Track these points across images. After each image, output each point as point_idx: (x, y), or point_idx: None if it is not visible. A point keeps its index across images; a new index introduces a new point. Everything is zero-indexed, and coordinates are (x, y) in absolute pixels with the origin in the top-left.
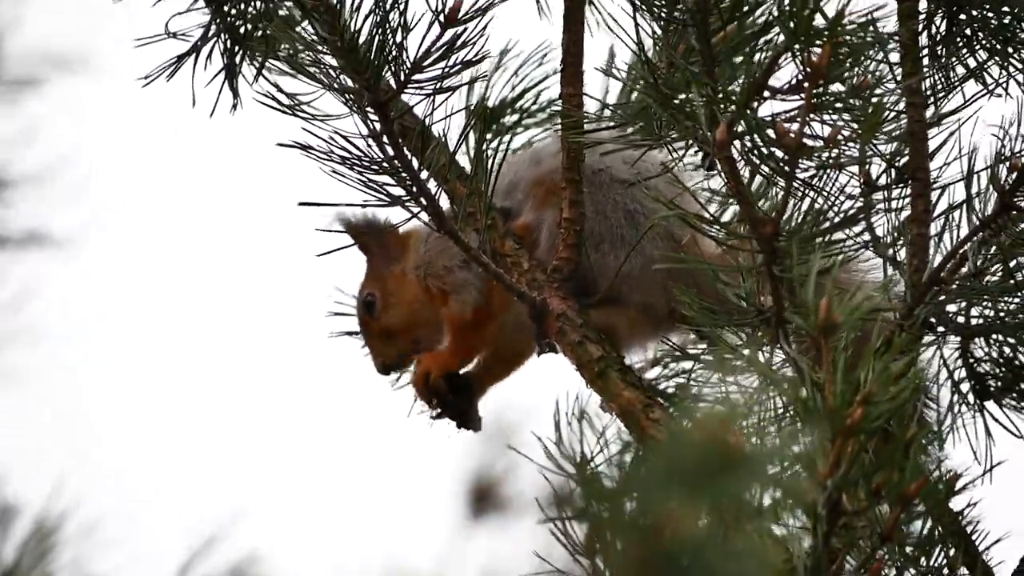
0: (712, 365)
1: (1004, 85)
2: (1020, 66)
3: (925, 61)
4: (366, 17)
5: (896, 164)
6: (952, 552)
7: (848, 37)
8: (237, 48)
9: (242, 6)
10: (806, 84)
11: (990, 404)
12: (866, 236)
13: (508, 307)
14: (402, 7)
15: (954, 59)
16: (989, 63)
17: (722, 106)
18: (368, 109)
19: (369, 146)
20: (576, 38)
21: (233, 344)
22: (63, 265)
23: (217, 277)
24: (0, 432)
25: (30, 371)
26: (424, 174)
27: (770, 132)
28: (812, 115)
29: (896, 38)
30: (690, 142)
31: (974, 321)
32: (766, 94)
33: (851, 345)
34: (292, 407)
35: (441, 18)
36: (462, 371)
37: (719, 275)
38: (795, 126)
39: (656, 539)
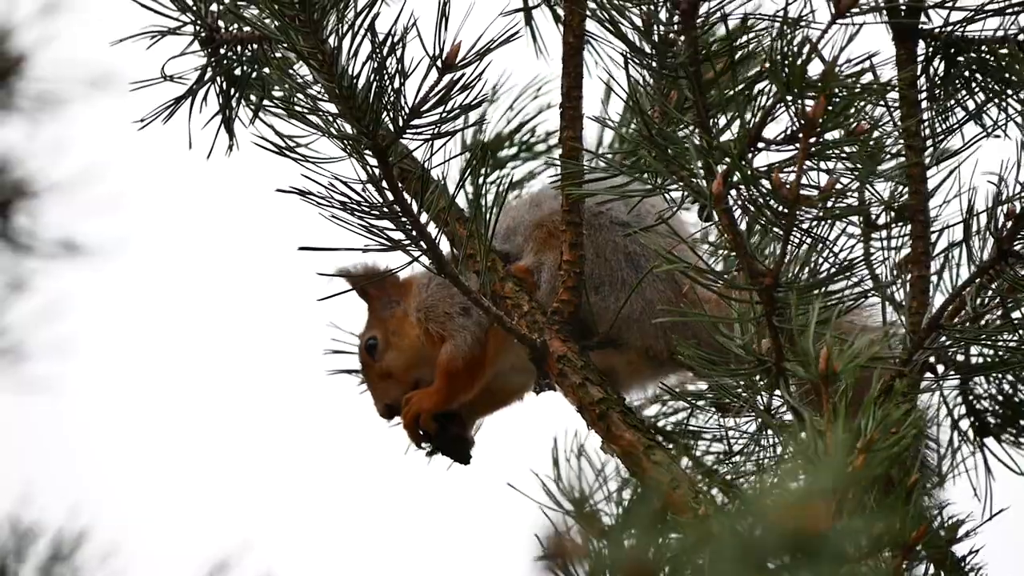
0: (711, 407)
1: (1003, 127)
2: (1019, 108)
3: (924, 103)
4: (364, 63)
5: (894, 206)
6: None
7: (842, 89)
8: (233, 91)
9: (238, 49)
10: (800, 135)
11: (990, 441)
12: (867, 283)
13: (503, 355)
14: (399, 53)
15: (953, 101)
16: (988, 105)
17: (717, 157)
18: (367, 154)
19: (368, 191)
20: (575, 83)
21: (254, 370)
22: (93, 276)
23: (235, 298)
24: (26, 441)
25: (58, 381)
26: (424, 218)
27: (766, 184)
28: (808, 164)
29: (892, 86)
30: (687, 193)
31: (974, 359)
32: (761, 145)
33: (852, 388)
34: (309, 434)
35: (439, 63)
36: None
37: (719, 327)
38: (791, 177)
39: None
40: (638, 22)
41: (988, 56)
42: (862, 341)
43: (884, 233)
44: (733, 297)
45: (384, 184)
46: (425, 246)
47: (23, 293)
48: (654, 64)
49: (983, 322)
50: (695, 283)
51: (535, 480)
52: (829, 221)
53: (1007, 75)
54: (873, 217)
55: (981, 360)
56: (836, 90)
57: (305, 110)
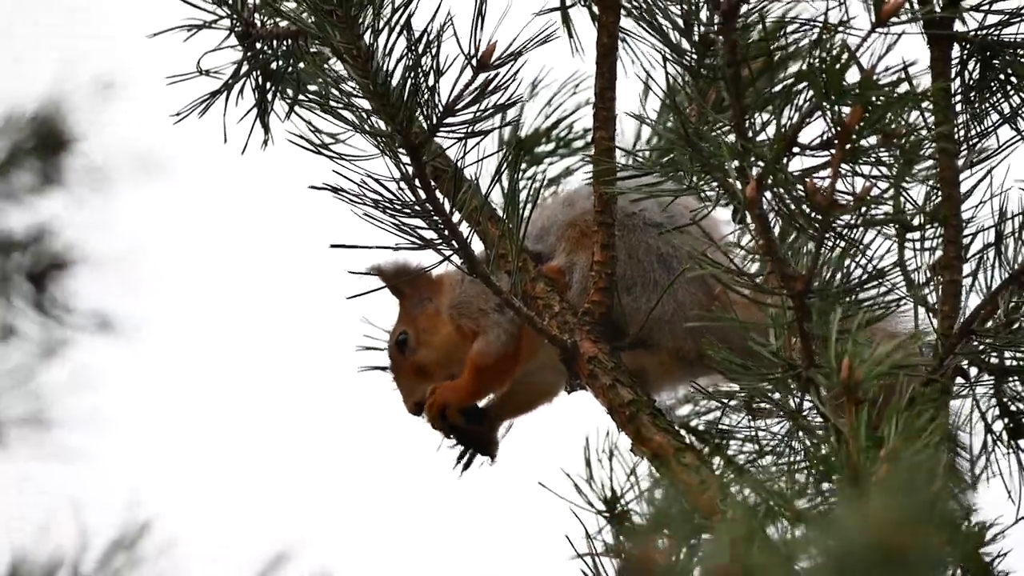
0: (742, 408)
1: None
2: None
3: (958, 107)
4: (398, 60)
5: (927, 209)
6: None
7: (879, 98)
8: (268, 85)
9: (274, 43)
10: (836, 141)
11: None
12: (900, 290)
13: (534, 354)
14: (434, 51)
15: (987, 104)
16: (1023, 108)
17: (752, 161)
18: (400, 152)
19: (401, 189)
20: (608, 83)
21: (294, 368)
22: (126, 350)
23: (251, 317)
24: (56, 510)
25: (89, 452)
26: (456, 217)
27: (800, 189)
28: (843, 170)
29: (928, 95)
30: (721, 193)
31: (1008, 363)
32: (796, 149)
33: (882, 393)
34: (345, 430)
35: (474, 62)
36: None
37: (750, 332)
38: (826, 183)
39: None
40: (679, 20)
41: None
42: (886, 347)
43: (918, 235)
44: (764, 302)
45: (417, 182)
46: (457, 245)
47: (53, 361)
48: (693, 63)
49: (1016, 326)
50: (726, 287)
51: (566, 479)
52: (862, 228)
53: None
54: (907, 221)
55: (1015, 364)
56: (873, 99)
57: (339, 106)
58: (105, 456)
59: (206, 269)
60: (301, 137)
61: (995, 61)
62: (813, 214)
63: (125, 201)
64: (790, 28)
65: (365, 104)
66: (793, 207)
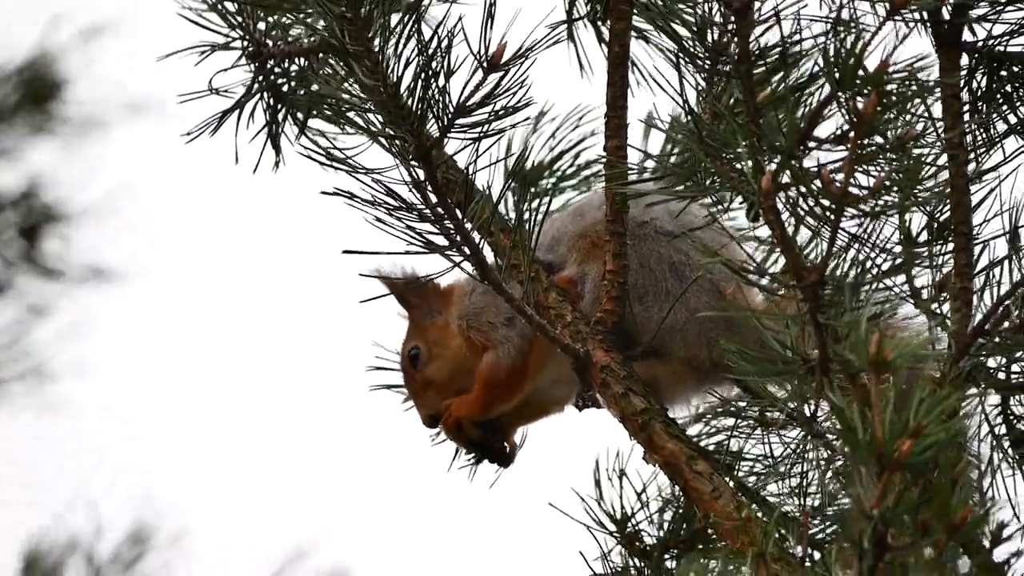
0: (755, 418)
1: None
2: None
3: (966, 117)
4: (408, 63)
5: (938, 219)
6: None
7: (894, 86)
8: (280, 106)
9: (285, 63)
10: (852, 133)
11: None
12: (918, 280)
13: (545, 367)
14: (444, 52)
15: (995, 115)
16: None
17: (767, 156)
18: (411, 157)
19: (412, 193)
20: (619, 91)
21: (290, 370)
22: (118, 298)
23: (268, 313)
24: (47, 461)
25: (80, 402)
26: (467, 224)
27: (816, 182)
28: (857, 164)
29: (938, 90)
30: (735, 193)
31: (1014, 378)
32: (811, 144)
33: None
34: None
35: (484, 63)
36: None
37: (763, 323)
38: (840, 176)
39: None
40: (691, 20)
41: None
42: (911, 331)
43: (927, 249)
44: (778, 294)
45: (428, 187)
46: (468, 251)
47: (46, 316)
48: (707, 66)
49: None
50: (740, 279)
51: (577, 500)
52: (876, 221)
53: None
54: (914, 233)
55: (1022, 379)
56: (888, 87)
57: (352, 113)
58: (101, 408)
59: (201, 218)
60: (313, 151)
61: (1002, 72)
62: (828, 205)
63: (116, 147)
64: (803, 23)
65: (376, 118)
66: (809, 200)
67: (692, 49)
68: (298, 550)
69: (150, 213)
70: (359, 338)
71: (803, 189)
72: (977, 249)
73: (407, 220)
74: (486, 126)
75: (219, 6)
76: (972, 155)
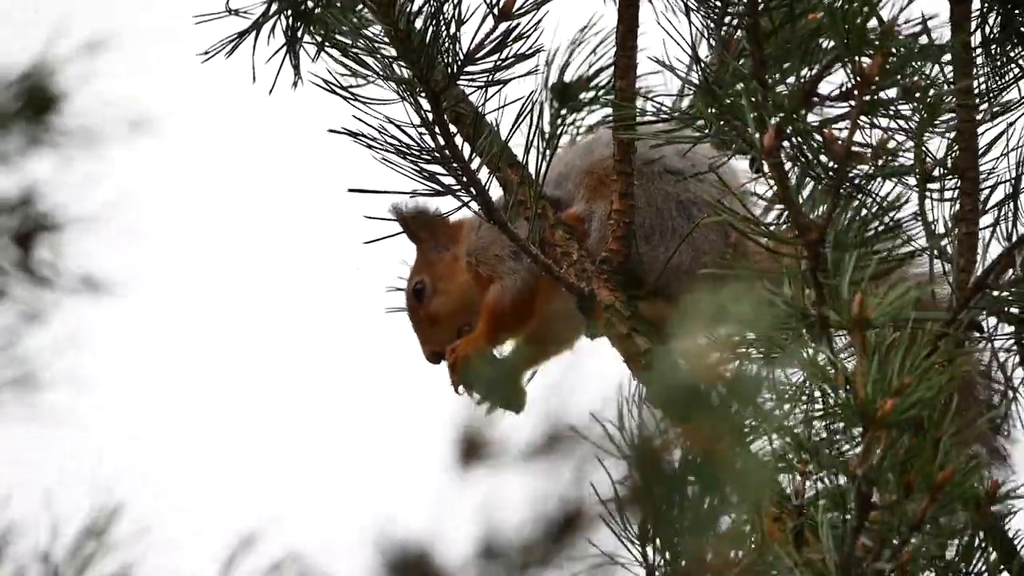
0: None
1: None
2: None
3: (979, 60)
4: (420, 8)
5: (947, 163)
6: (993, 557)
7: (899, 48)
8: (299, 24)
9: None
10: (856, 92)
11: None
12: (919, 240)
13: (551, 301)
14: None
15: (1008, 58)
16: None
17: (770, 110)
18: (420, 98)
19: (420, 135)
20: (630, 31)
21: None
22: (112, 310)
23: (268, 318)
24: (38, 474)
25: (72, 414)
26: (475, 163)
27: (818, 138)
28: (861, 121)
29: (947, 47)
30: (739, 143)
31: None
32: (815, 100)
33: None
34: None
35: (495, 11)
36: (502, 354)
37: (765, 281)
38: (844, 133)
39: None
40: None
41: None
42: (898, 289)
43: (937, 186)
44: (780, 251)
45: (436, 129)
46: (475, 192)
47: (38, 324)
48: (716, 14)
49: None
50: (743, 235)
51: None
52: (880, 178)
53: None
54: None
55: None
56: (894, 49)
57: (363, 52)
58: (92, 418)
59: (198, 228)
60: (324, 80)
61: (1016, 13)
62: (830, 163)
63: (115, 159)
64: None
65: (389, 51)
66: (811, 156)
67: None
68: (249, 535)
69: (148, 224)
70: (356, 339)
71: (806, 148)
72: (985, 193)
73: (415, 160)
74: (495, 74)
75: None
76: (984, 99)
